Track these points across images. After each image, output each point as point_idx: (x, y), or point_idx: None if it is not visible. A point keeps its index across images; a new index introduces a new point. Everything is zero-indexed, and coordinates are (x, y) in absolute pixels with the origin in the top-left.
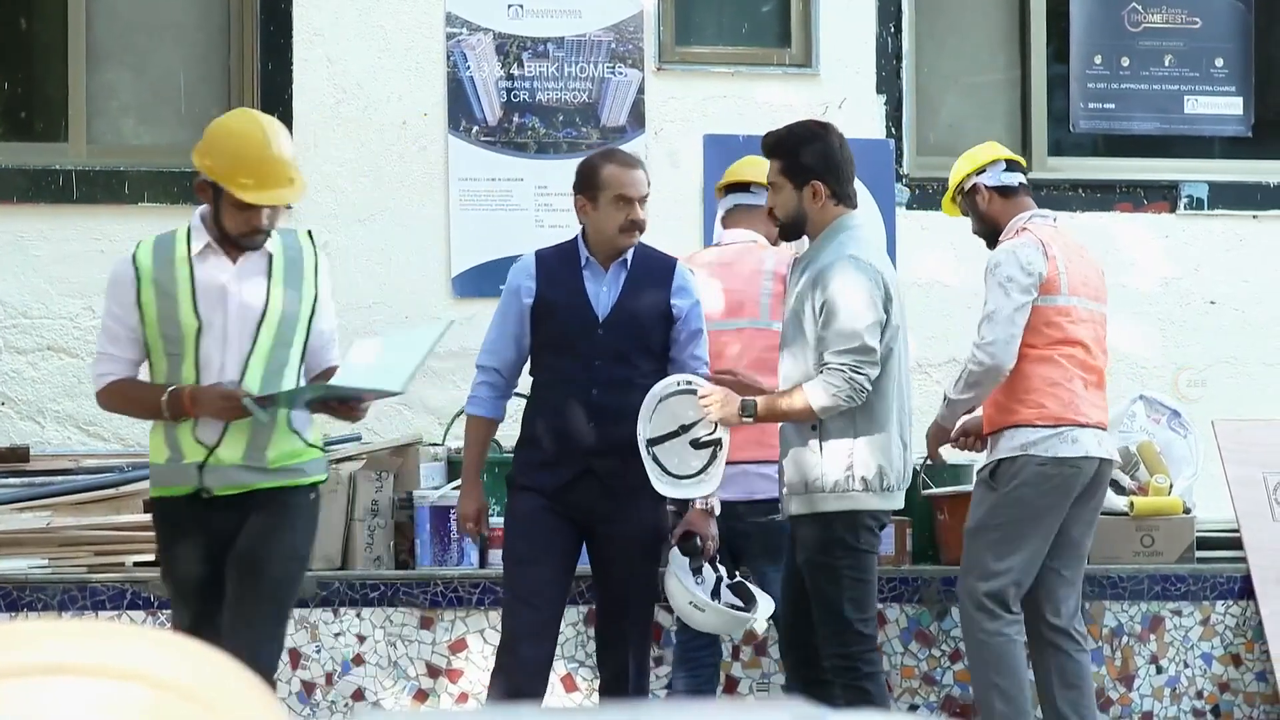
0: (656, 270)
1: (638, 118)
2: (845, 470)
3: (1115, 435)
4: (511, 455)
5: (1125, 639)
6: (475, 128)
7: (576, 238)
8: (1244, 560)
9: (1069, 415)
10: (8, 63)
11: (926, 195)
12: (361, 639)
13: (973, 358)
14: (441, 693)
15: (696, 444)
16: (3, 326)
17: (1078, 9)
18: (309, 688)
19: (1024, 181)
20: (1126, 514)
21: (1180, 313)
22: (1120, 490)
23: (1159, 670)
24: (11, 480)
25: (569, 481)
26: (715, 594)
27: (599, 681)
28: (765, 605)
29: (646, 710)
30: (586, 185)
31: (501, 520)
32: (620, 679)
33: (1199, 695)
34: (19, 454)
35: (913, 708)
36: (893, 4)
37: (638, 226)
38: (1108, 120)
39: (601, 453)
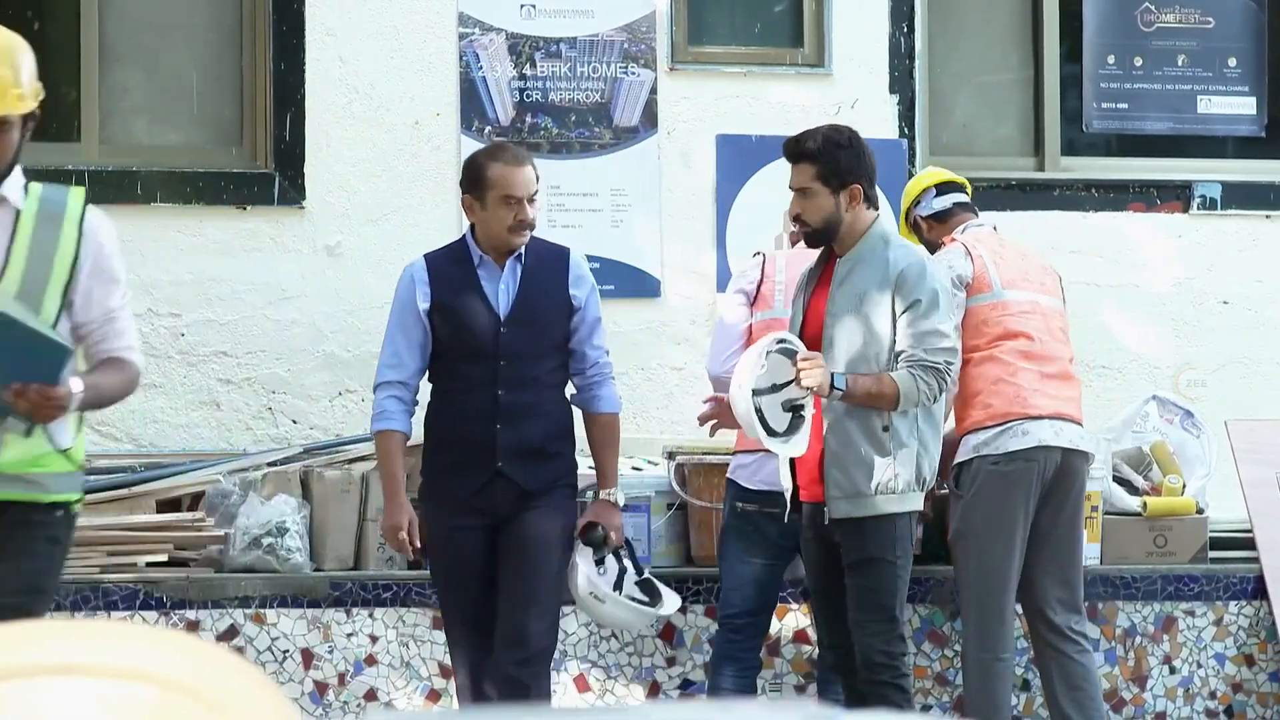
0: (551, 262)
1: (650, 118)
2: (915, 472)
3: (1129, 435)
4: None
5: (1138, 639)
6: (488, 128)
7: (465, 236)
8: (1257, 560)
9: (1016, 410)
10: None
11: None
12: (374, 639)
13: None
14: (454, 693)
15: (785, 406)
16: None
17: (1091, 9)
18: (321, 688)
19: (960, 200)
20: (1139, 514)
21: (1193, 313)
22: (1133, 490)
23: (1172, 671)
24: None
25: (481, 487)
26: (619, 587)
27: (494, 682)
28: (671, 602)
29: (660, 709)
30: (472, 184)
31: None
32: (521, 678)
33: (1212, 696)
34: None
35: (925, 708)
36: (905, 4)
37: (526, 226)
38: (1121, 120)
39: (511, 455)
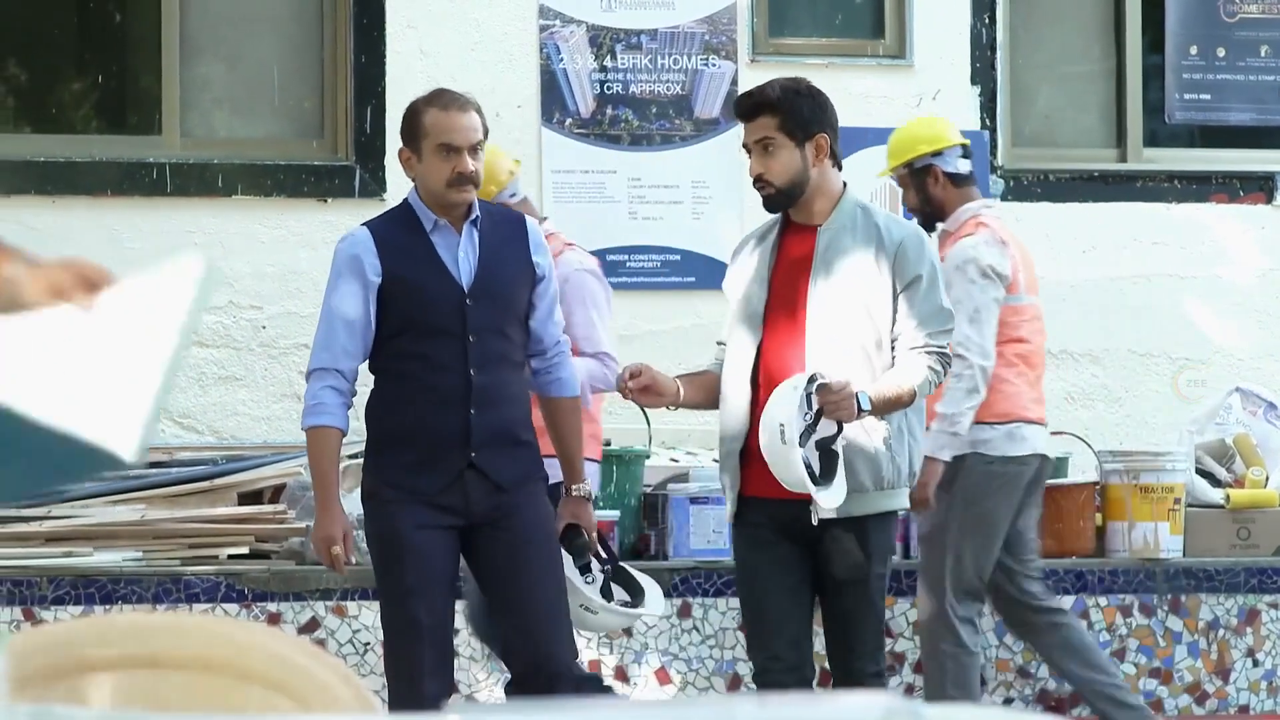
0: (507, 227)
1: (731, 109)
2: (910, 462)
3: (1211, 428)
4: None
5: (1221, 632)
6: (568, 120)
7: (407, 200)
8: None
9: (1016, 412)
10: (102, 56)
11: (1021, 187)
12: (454, 632)
13: (966, 363)
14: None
15: (819, 445)
16: None
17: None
18: None
19: (972, 170)
20: (1222, 507)
21: (1277, 304)
22: (1216, 483)
23: (1255, 664)
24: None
25: (451, 482)
26: (606, 592)
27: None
28: (653, 593)
29: (735, 701)
30: (408, 135)
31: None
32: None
33: None
34: None
35: (1007, 701)
36: None
37: (467, 179)
38: (1203, 111)
39: (485, 443)
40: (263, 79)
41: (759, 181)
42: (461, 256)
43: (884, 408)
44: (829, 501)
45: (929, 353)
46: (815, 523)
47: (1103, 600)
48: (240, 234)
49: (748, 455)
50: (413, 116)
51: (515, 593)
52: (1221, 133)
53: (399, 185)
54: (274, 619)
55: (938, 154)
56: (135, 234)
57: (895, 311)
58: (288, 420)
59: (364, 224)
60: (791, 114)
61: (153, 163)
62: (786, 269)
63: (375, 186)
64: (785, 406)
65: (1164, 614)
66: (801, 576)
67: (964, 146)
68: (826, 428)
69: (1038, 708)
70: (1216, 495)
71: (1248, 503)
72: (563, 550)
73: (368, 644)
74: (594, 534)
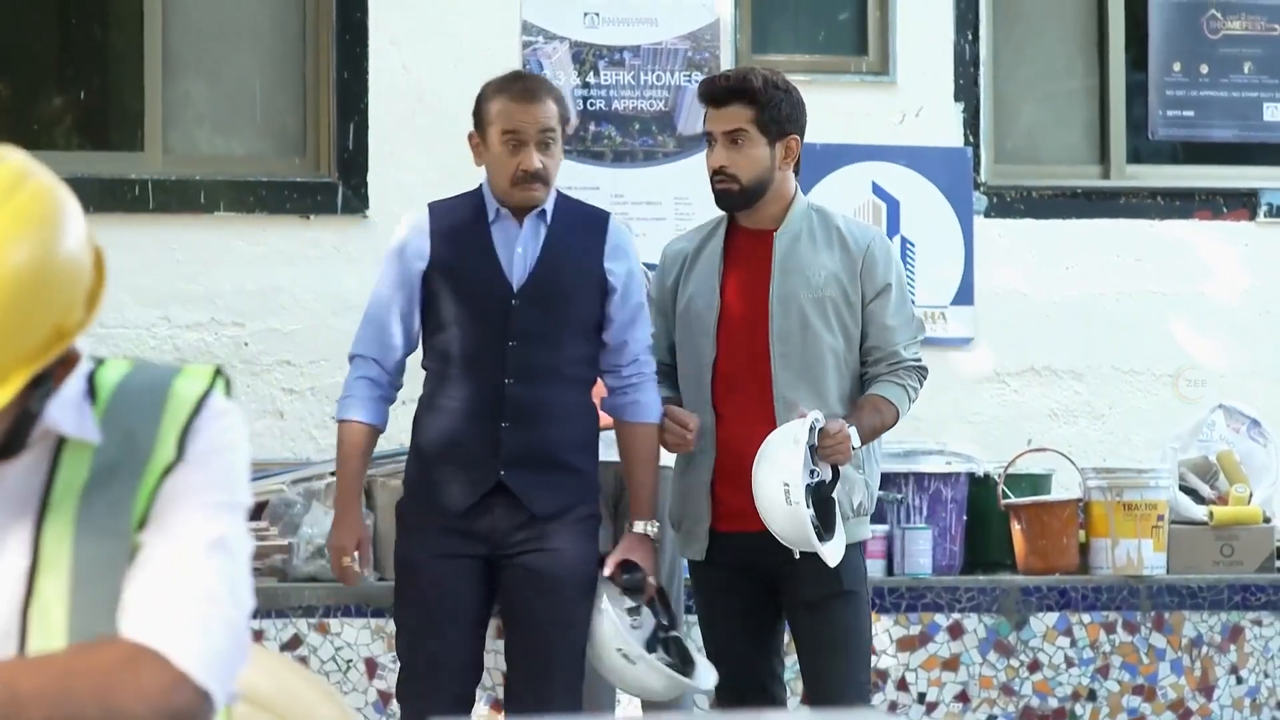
0: (584, 225)
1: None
2: (879, 486)
3: (1195, 444)
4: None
5: (1205, 649)
6: None
7: (481, 185)
8: None
9: None
10: (83, 72)
11: (1004, 203)
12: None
13: None
14: None
15: (817, 494)
16: None
17: (1156, 16)
18: (385, 697)
19: None
20: (1206, 523)
21: (1260, 321)
22: (1200, 499)
23: (1239, 681)
24: None
25: (477, 503)
26: (652, 645)
27: None
28: (707, 674)
29: None
30: (477, 118)
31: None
32: None
33: (1279, 706)
34: None
35: (991, 718)
36: (970, 11)
37: (534, 177)
38: (1186, 128)
39: (517, 462)
40: (245, 95)
41: (721, 174)
42: (519, 252)
43: (870, 437)
44: (834, 556)
45: (906, 369)
46: (797, 556)
47: (1086, 617)
48: (222, 250)
49: (715, 487)
50: (482, 100)
51: (529, 638)
52: (1205, 149)
53: (381, 202)
54: (257, 636)
55: None
56: (117, 250)
57: (864, 320)
58: (269, 437)
59: (430, 203)
60: (770, 109)
61: (134, 179)
62: (739, 278)
63: (358, 203)
64: (790, 464)
65: (1147, 631)
66: (764, 617)
67: None
68: (821, 473)
69: None
70: (1200, 512)
71: (1231, 519)
72: (616, 587)
73: (350, 661)
74: (650, 579)
